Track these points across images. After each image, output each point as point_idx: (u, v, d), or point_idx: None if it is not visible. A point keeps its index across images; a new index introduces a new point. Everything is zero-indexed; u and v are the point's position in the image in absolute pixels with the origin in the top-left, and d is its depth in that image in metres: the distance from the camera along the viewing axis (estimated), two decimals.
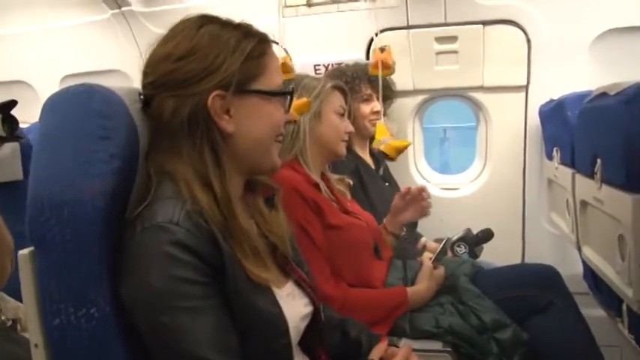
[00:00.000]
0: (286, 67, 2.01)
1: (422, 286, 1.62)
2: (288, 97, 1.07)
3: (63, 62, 3.04)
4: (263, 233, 1.05)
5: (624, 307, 1.54)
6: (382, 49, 2.09)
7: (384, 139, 1.68)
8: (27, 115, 3.20)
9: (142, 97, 0.97)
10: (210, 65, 0.93)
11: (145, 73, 0.97)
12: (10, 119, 1.42)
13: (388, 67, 2.13)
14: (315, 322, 1.09)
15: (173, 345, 0.84)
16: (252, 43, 0.97)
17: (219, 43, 0.95)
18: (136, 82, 1.01)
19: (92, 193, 0.86)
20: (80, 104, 0.91)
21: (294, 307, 1.02)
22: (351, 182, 1.84)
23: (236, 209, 0.94)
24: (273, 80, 1.01)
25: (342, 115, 1.68)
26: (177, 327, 0.83)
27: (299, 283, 1.08)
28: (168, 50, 0.95)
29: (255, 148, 1.00)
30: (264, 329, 0.94)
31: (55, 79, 3.07)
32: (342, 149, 1.68)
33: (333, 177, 1.76)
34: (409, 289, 1.60)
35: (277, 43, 2.33)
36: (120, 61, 2.95)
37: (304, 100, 1.55)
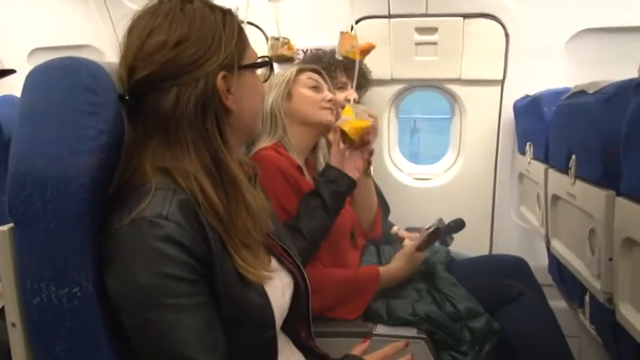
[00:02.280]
0: (290, 46, 1.99)
1: (395, 265, 1.63)
2: (269, 67, 1.09)
3: (32, 35, 2.94)
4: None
5: (587, 299, 1.59)
6: (345, 34, 2.04)
7: (345, 118, 1.64)
8: None
9: (127, 97, 0.92)
10: (210, 45, 0.91)
11: (135, 68, 0.90)
12: None
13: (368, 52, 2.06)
14: (297, 296, 1.09)
15: (158, 343, 0.83)
16: (231, 17, 0.96)
17: (210, 22, 0.92)
18: (108, 59, 0.98)
19: (78, 170, 0.84)
20: (66, 77, 0.88)
21: (279, 291, 1.01)
22: None
23: (246, 186, 0.95)
24: (253, 53, 1.01)
25: (317, 87, 1.67)
26: (163, 325, 0.82)
27: (280, 260, 1.07)
28: (161, 38, 0.89)
29: (251, 121, 1.02)
30: (251, 322, 0.93)
31: (23, 52, 2.96)
32: (326, 117, 1.65)
33: None
34: (381, 268, 1.61)
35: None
36: (92, 36, 2.86)
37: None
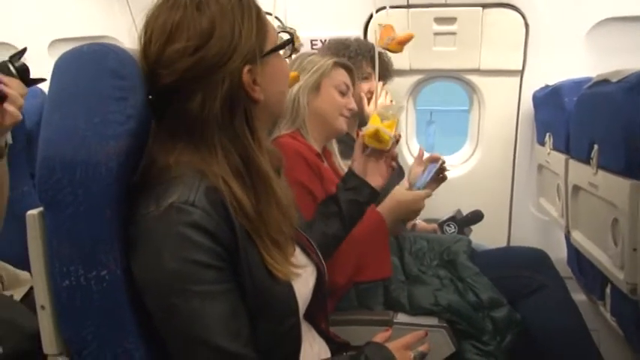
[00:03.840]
0: (296, 37, 1.99)
1: (392, 202, 1.64)
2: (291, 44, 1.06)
3: (52, 26, 2.96)
4: None
5: (608, 291, 1.58)
6: (384, 26, 2.04)
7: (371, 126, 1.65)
8: None
9: (150, 97, 0.92)
10: (231, 43, 0.88)
11: (159, 75, 0.89)
12: (23, 67, 1.38)
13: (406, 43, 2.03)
14: (318, 287, 1.09)
15: (183, 328, 0.84)
16: (247, 2, 0.93)
17: (228, 15, 0.89)
18: None
19: (106, 155, 0.85)
20: (94, 63, 0.89)
21: (303, 279, 1.02)
22: None
23: (275, 185, 0.94)
24: (274, 34, 0.99)
25: (344, 92, 1.67)
26: (188, 311, 0.82)
27: (304, 249, 1.08)
28: (181, 45, 0.87)
29: (279, 104, 1.03)
30: (275, 310, 0.93)
31: (43, 43, 2.99)
32: (341, 125, 1.66)
33: (342, 162, 1.76)
34: (381, 209, 1.62)
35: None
36: (111, 27, 2.88)
37: (293, 73, 1.54)
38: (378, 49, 1.79)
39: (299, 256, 1.06)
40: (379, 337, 1.17)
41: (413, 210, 1.65)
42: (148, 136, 0.92)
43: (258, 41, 0.92)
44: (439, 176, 1.78)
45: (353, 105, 1.68)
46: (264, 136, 0.98)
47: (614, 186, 1.37)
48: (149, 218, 0.84)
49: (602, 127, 1.48)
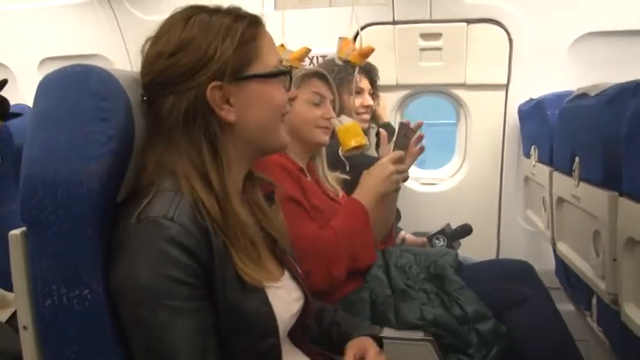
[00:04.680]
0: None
1: (367, 184, 1.61)
2: (288, 76, 1.04)
3: (42, 45, 2.99)
4: (263, 228, 1.05)
5: (594, 301, 1.59)
6: (344, 39, 2.04)
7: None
8: None
9: (144, 98, 0.96)
10: (203, 56, 0.92)
11: (142, 74, 0.96)
12: (1, 99, 1.39)
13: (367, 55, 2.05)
14: (304, 314, 1.09)
15: (149, 342, 0.84)
16: (242, 27, 0.95)
17: (210, 32, 0.93)
18: (117, 67, 0.99)
19: (88, 175, 0.86)
20: (77, 84, 0.90)
21: (286, 303, 1.02)
22: (346, 177, 1.84)
23: (234, 202, 0.93)
24: (269, 62, 0.99)
25: (318, 103, 1.64)
26: (156, 325, 0.83)
27: (294, 277, 1.09)
28: (159, 48, 0.93)
29: (260, 133, 1.00)
30: (252, 329, 0.93)
31: (33, 62, 3.01)
32: (319, 137, 1.64)
33: (329, 174, 1.76)
34: (358, 196, 1.61)
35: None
36: (102, 46, 2.91)
37: None
38: (338, 62, 1.83)
39: (285, 280, 1.06)
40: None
41: (382, 178, 1.60)
42: (130, 156, 0.94)
43: (236, 63, 0.94)
44: (416, 147, 1.66)
45: (329, 114, 1.65)
46: (234, 160, 0.99)
47: (594, 198, 1.40)
48: (129, 230, 0.85)
49: (583, 139, 1.51)
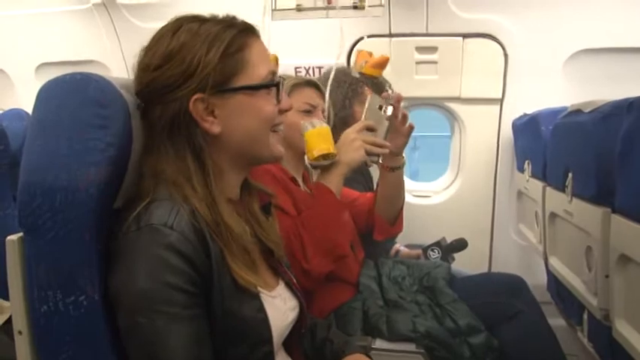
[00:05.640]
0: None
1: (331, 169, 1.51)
2: (277, 87, 1.01)
3: (40, 50, 2.99)
4: (258, 237, 1.06)
5: (585, 317, 1.60)
6: (360, 51, 2.05)
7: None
8: (1, 102, 3.13)
9: (139, 106, 0.97)
10: (186, 69, 0.92)
11: (134, 84, 0.97)
12: None
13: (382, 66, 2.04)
14: (299, 323, 1.10)
15: (145, 349, 0.85)
16: (229, 37, 0.94)
17: (195, 44, 0.93)
18: (114, 74, 1.00)
19: (87, 181, 0.86)
20: (76, 92, 0.91)
21: (281, 312, 1.03)
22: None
23: (223, 211, 0.94)
24: (257, 73, 0.97)
25: (310, 111, 1.61)
26: (153, 331, 0.83)
27: (289, 286, 1.09)
28: (147, 60, 0.95)
29: (248, 145, 0.99)
30: (247, 336, 0.94)
31: (30, 67, 3.01)
32: None
33: None
34: (322, 179, 1.51)
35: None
36: (99, 52, 2.91)
37: None
38: (354, 74, 1.82)
39: (280, 289, 1.06)
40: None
41: (344, 147, 1.50)
42: (128, 163, 0.94)
43: (220, 74, 0.94)
44: (402, 124, 1.62)
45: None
46: (225, 170, 1.00)
47: (586, 214, 1.41)
48: (128, 237, 0.86)
49: (576, 155, 1.52)
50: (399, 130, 1.64)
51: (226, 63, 0.94)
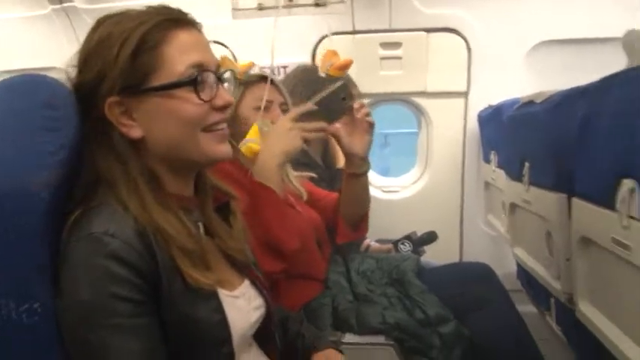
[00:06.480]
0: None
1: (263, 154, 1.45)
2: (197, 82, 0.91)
3: None
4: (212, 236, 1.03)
5: (552, 301, 1.63)
6: (326, 52, 2.06)
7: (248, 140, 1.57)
8: None
9: None
10: (99, 71, 0.88)
11: None
12: None
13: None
14: (266, 321, 1.07)
15: None
16: (141, 34, 0.88)
17: (106, 44, 0.88)
18: None
19: (38, 185, 0.84)
20: (26, 95, 0.89)
21: (244, 312, 0.99)
22: (314, 175, 1.82)
23: (155, 215, 0.88)
24: (174, 70, 0.89)
25: (266, 107, 1.54)
26: (101, 345, 0.80)
27: (255, 284, 1.06)
28: (75, 64, 0.92)
29: (174, 148, 0.92)
30: (204, 339, 0.90)
31: None
32: None
33: (292, 173, 1.73)
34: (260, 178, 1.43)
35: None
36: (59, 58, 2.83)
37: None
38: (321, 74, 1.81)
39: (244, 288, 1.03)
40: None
41: (283, 137, 1.44)
42: (80, 166, 0.92)
43: (132, 74, 0.88)
44: (364, 118, 1.58)
45: (277, 118, 1.56)
46: (161, 174, 0.95)
47: (544, 201, 1.43)
48: (70, 247, 0.83)
49: (531, 145, 1.55)
50: (359, 125, 1.62)
51: (138, 62, 0.88)
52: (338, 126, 1.58)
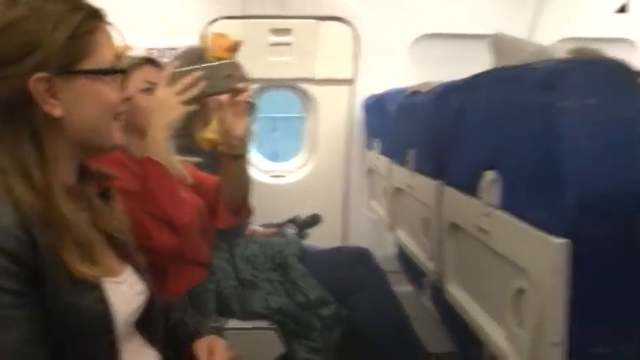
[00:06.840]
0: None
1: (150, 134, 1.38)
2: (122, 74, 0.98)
3: None
4: (96, 224, 0.99)
5: (427, 281, 1.73)
6: (214, 34, 2.03)
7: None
8: None
9: None
10: (29, 43, 0.84)
11: None
12: None
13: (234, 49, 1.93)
14: (149, 306, 1.06)
15: None
16: (79, 19, 0.88)
17: (41, 17, 0.85)
18: None
19: None
20: None
21: (127, 298, 0.98)
22: (199, 160, 1.77)
23: (58, 199, 0.86)
24: (105, 58, 0.91)
25: (149, 89, 1.46)
26: None
27: (137, 270, 1.04)
28: None
29: (90, 131, 0.92)
30: (87, 328, 0.88)
31: None
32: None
33: (176, 158, 1.67)
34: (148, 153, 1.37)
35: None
36: None
37: None
38: (209, 59, 1.77)
39: (126, 274, 1.01)
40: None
41: (162, 109, 1.38)
42: None
43: (66, 55, 0.87)
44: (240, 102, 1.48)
45: None
46: (62, 156, 0.92)
47: (424, 187, 1.52)
48: None
49: (416, 133, 1.63)
50: (239, 105, 1.49)
51: (75, 44, 0.87)
52: (224, 98, 1.52)
